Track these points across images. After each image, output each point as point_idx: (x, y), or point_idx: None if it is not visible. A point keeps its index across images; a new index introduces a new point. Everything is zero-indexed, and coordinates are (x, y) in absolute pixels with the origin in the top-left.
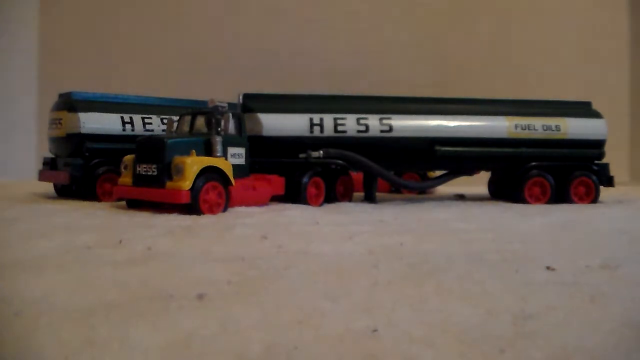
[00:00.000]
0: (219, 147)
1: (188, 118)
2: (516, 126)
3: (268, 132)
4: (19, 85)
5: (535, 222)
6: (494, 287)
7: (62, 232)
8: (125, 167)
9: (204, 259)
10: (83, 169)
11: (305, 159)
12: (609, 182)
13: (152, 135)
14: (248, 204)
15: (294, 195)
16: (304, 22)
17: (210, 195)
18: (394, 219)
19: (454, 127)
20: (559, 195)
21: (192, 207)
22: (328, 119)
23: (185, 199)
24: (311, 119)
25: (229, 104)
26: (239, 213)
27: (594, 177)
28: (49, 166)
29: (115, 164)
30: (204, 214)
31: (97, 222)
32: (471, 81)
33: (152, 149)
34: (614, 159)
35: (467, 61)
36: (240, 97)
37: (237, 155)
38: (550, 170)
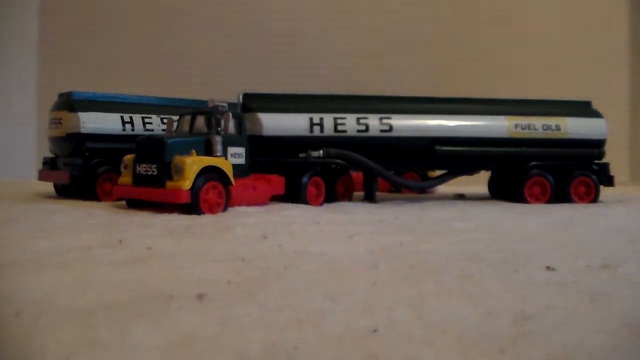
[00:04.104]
0: (219, 147)
1: (188, 118)
2: (516, 126)
3: (268, 132)
4: (18, 85)
5: (535, 222)
6: (494, 287)
7: (62, 232)
8: (125, 167)
9: (204, 259)
10: (83, 168)
11: (305, 159)
12: (609, 181)
13: (152, 135)
14: (248, 204)
15: (294, 195)
16: (304, 22)
17: (210, 195)
18: (394, 218)
19: (454, 126)
20: (559, 195)
21: (192, 207)
22: (328, 119)
23: (185, 199)
24: (311, 119)
25: (229, 104)
26: (239, 213)
27: (594, 177)
28: (49, 166)
29: (115, 164)
30: (204, 213)
31: (97, 222)
32: (471, 81)
33: (152, 149)
34: (614, 158)
35: (467, 61)
36: (240, 97)
37: (237, 155)
38: (551, 169)
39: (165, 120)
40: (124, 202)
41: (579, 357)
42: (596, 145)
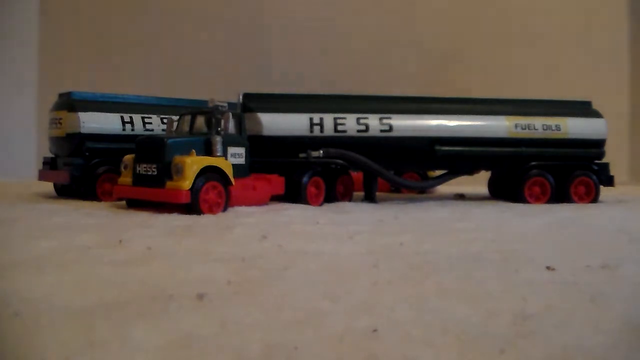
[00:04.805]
0: (219, 147)
1: (188, 118)
2: (516, 126)
3: (268, 132)
4: (19, 85)
5: (535, 222)
6: (494, 287)
7: (62, 232)
8: (125, 167)
9: (204, 259)
10: (83, 168)
11: (305, 159)
12: (609, 181)
13: (152, 134)
14: (248, 204)
15: (294, 195)
16: (304, 22)
17: (210, 195)
18: (394, 218)
19: (454, 126)
20: (559, 195)
21: (192, 207)
22: (328, 119)
23: (185, 199)
24: (311, 119)
25: (229, 103)
26: (239, 213)
27: (594, 177)
28: (49, 166)
29: (115, 164)
30: (203, 213)
31: (97, 222)
32: (471, 81)
33: (152, 149)
34: (614, 158)
35: (467, 60)
36: (240, 97)
37: (237, 155)
38: (551, 169)
39: (165, 120)
40: (124, 202)
41: (579, 357)
42: (596, 145)
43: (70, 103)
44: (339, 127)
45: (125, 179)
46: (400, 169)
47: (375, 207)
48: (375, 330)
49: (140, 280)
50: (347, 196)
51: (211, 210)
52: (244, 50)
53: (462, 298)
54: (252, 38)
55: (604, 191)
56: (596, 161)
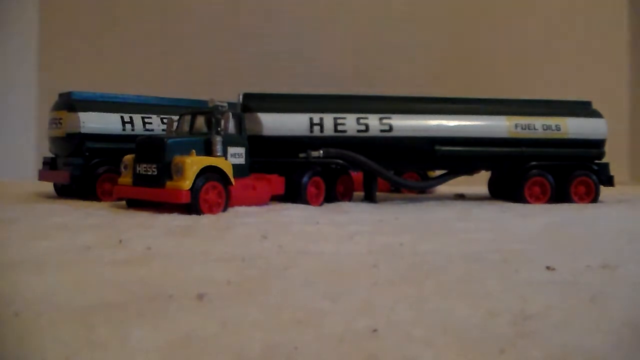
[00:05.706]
0: (218, 147)
1: (188, 118)
2: (516, 126)
3: (268, 132)
4: (19, 85)
5: (535, 222)
6: (494, 287)
7: (62, 232)
8: (125, 167)
9: (204, 259)
10: (83, 168)
11: (305, 159)
12: (609, 181)
13: (152, 134)
14: (248, 204)
15: (294, 195)
16: (304, 22)
17: (210, 195)
18: (394, 218)
19: (454, 126)
20: (559, 195)
21: (192, 207)
22: (328, 119)
23: (185, 199)
24: (311, 119)
25: (229, 103)
26: (239, 213)
27: (594, 177)
28: (49, 166)
29: (115, 164)
30: (204, 213)
31: (97, 222)
32: (471, 81)
33: (152, 149)
34: (614, 158)
35: (468, 61)
36: (240, 97)
37: (237, 155)
38: (551, 169)
39: (165, 120)
40: (124, 202)
41: (579, 357)
42: (596, 145)
43: (70, 103)
44: (339, 127)
45: (125, 179)
46: (400, 169)
47: (375, 207)
48: (375, 330)
49: (140, 280)
50: (347, 196)
51: (211, 210)
52: (245, 50)
53: (462, 298)
54: (252, 38)
55: (604, 191)
56: (596, 161)
